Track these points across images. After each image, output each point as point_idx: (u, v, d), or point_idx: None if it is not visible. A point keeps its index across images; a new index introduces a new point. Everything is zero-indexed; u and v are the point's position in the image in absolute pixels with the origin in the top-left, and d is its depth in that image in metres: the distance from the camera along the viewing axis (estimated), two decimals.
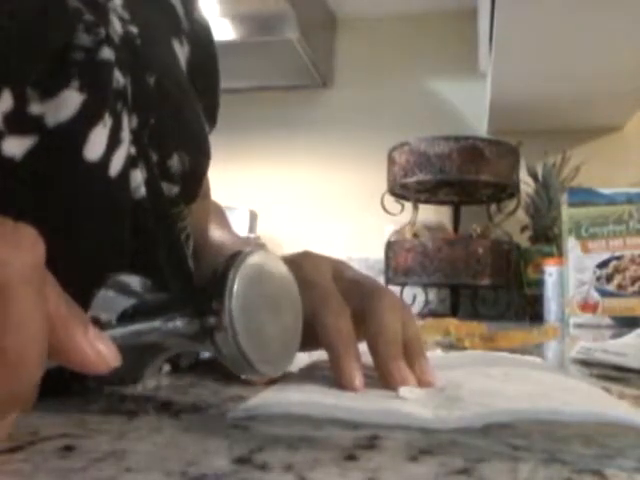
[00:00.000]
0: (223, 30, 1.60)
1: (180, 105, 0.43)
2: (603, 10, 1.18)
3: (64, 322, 0.21)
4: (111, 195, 0.35)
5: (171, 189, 0.41)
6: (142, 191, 0.37)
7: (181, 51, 0.46)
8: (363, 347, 0.34)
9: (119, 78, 0.35)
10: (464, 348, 0.64)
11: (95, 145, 0.33)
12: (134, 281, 0.30)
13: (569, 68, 1.44)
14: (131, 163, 0.36)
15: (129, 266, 0.36)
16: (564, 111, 1.68)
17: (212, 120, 0.54)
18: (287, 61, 1.79)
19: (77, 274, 0.27)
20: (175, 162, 0.41)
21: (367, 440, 0.25)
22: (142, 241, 0.37)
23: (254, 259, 0.28)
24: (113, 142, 0.35)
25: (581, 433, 0.26)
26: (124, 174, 0.35)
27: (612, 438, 0.25)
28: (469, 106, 1.89)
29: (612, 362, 0.49)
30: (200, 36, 0.51)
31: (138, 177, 0.37)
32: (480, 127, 1.83)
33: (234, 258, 0.27)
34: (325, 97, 2.01)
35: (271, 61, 1.79)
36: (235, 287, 0.26)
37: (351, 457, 0.22)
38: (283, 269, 0.30)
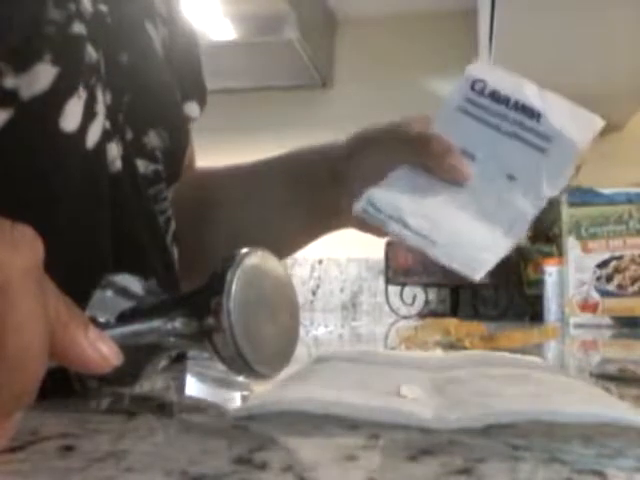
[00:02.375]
0: (223, 30, 1.60)
1: (154, 84, 0.44)
2: (603, 10, 1.18)
3: (64, 322, 0.21)
4: (89, 167, 0.35)
5: (148, 166, 0.42)
6: (118, 164, 0.38)
7: (155, 33, 0.47)
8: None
9: (91, 52, 0.36)
10: (464, 348, 0.64)
11: (71, 117, 0.34)
12: (133, 283, 0.30)
13: (569, 68, 1.44)
14: (106, 136, 0.37)
15: (110, 247, 0.36)
16: None
17: (202, 101, 0.56)
18: (287, 61, 1.78)
19: (68, 267, 0.27)
20: (152, 139, 0.42)
21: (367, 440, 0.25)
22: (120, 216, 0.37)
23: (252, 260, 0.28)
24: (88, 114, 0.35)
25: (581, 433, 0.26)
26: (100, 147, 0.36)
27: (612, 438, 0.25)
28: None
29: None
30: (179, 22, 0.52)
31: (114, 150, 0.37)
32: None
33: (232, 259, 0.27)
34: (325, 97, 2.01)
35: (271, 61, 1.79)
36: (233, 288, 0.26)
37: (351, 457, 0.22)
38: (280, 269, 0.30)
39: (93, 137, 0.35)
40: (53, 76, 0.33)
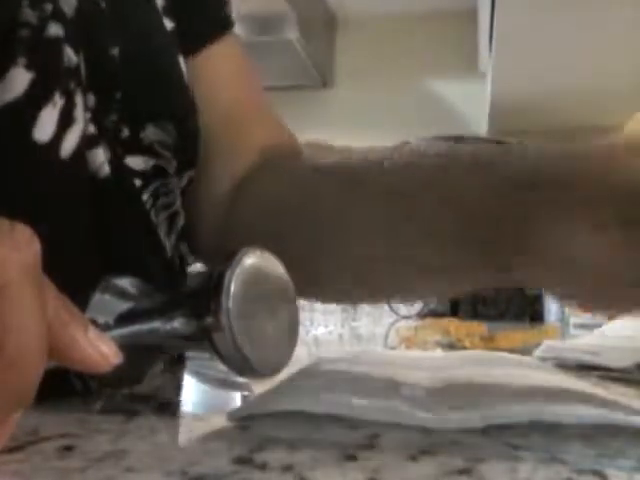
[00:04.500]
0: None
1: (153, 71, 0.41)
2: (603, 10, 1.18)
3: (64, 322, 0.21)
4: (65, 177, 0.34)
5: (147, 162, 0.40)
6: (105, 169, 0.36)
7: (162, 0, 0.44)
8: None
9: (70, 55, 0.34)
10: (464, 348, 0.64)
11: (45, 126, 0.33)
12: (130, 285, 0.30)
13: (569, 68, 1.44)
14: (90, 142, 0.35)
15: (97, 248, 0.35)
16: (564, 111, 1.68)
17: (227, 22, 0.49)
18: (287, 61, 1.79)
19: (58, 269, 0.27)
20: (149, 133, 0.40)
21: (367, 440, 0.25)
22: (109, 221, 0.36)
23: (252, 259, 0.28)
24: (65, 122, 0.34)
25: (581, 433, 0.26)
26: (79, 154, 0.34)
27: (612, 438, 0.25)
28: (469, 106, 1.89)
29: (583, 361, 0.47)
30: None
31: (100, 156, 0.36)
32: (480, 127, 1.83)
33: (231, 258, 0.27)
34: (325, 97, 2.01)
35: (271, 61, 1.79)
36: (232, 287, 0.26)
37: (351, 457, 0.22)
38: (280, 269, 0.30)
39: (69, 146, 0.34)
40: (27, 82, 0.32)
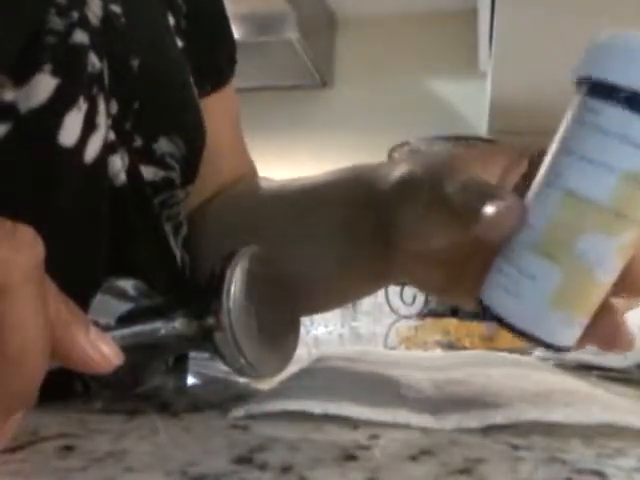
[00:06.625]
0: None
1: (168, 86, 0.42)
2: (603, 10, 1.18)
3: (65, 322, 0.21)
4: (87, 181, 0.34)
5: (157, 173, 0.40)
6: (122, 177, 0.37)
7: (175, 22, 0.46)
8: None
9: (95, 62, 0.35)
10: (464, 348, 0.64)
11: (70, 130, 0.33)
12: (131, 286, 0.30)
13: (569, 68, 1.44)
14: (110, 149, 0.36)
15: (107, 257, 0.35)
16: (564, 111, 1.68)
17: (230, 65, 0.55)
18: (287, 61, 1.78)
19: (61, 276, 0.27)
20: (162, 145, 0.40)
21: (367, 440, 0.25)
22: (122, 228, 0.37)
23: (251, 259, 0.28)
24: (88, 127, 0.34)
25: (581, 433, 0.26)
26: (101, 160, 0.35)
27: (612, 438, 0.25)
28: (469, 106, 1.89)
29: (583, 361, 0.48)
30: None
31: (117, 163, 0.36)
32: (480, 127, 1.82)
33: (231, 258, 0.27)
34: (325, 97, 2.01)
35: (271, 61, 1.79)
36: (233, 287, 0.26)
37: (351, 457, 0.22)
38: (279, 268, 0.30)
39: (92, 151, 0.34)
40: (53, 87, 0.33)
